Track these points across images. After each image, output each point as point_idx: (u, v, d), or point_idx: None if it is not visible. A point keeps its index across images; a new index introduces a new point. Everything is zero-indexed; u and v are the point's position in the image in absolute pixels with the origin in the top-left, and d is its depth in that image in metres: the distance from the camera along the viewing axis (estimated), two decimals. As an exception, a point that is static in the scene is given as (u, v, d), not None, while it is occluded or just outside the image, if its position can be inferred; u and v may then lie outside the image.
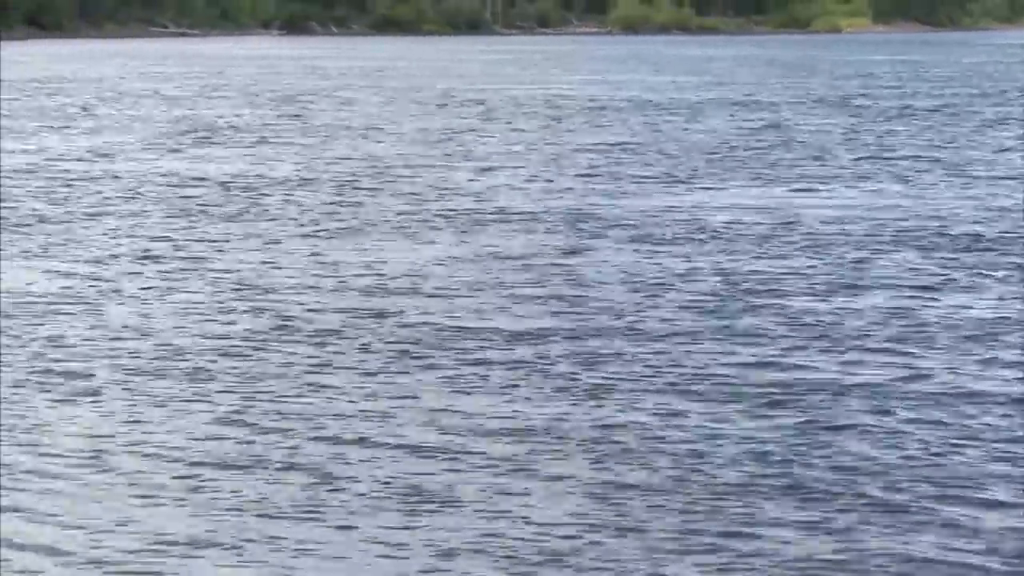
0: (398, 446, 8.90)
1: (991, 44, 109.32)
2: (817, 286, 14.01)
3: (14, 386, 10.36)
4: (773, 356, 11.16)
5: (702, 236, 17.11)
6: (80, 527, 7.58)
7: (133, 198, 20.96)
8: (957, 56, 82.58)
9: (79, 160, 26.24)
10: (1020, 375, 10.57)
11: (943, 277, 14.48)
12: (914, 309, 12.87)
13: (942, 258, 15.55)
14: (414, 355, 11.24)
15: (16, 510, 7.80)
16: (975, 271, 14.80)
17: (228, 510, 7.81)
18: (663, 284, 14.17)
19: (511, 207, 19.61)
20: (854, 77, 58.09)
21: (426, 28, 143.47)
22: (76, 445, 8.98)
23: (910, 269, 14.95)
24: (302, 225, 18.25)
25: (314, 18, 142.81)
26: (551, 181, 22.62)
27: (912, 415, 9.49)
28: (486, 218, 18.65)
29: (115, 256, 16.00)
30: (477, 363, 10.97)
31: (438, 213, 19.15)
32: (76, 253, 16.24)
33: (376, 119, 36.44)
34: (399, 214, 19.12)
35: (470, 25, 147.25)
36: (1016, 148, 28.39)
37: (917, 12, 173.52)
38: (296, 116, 37.32)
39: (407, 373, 10.72)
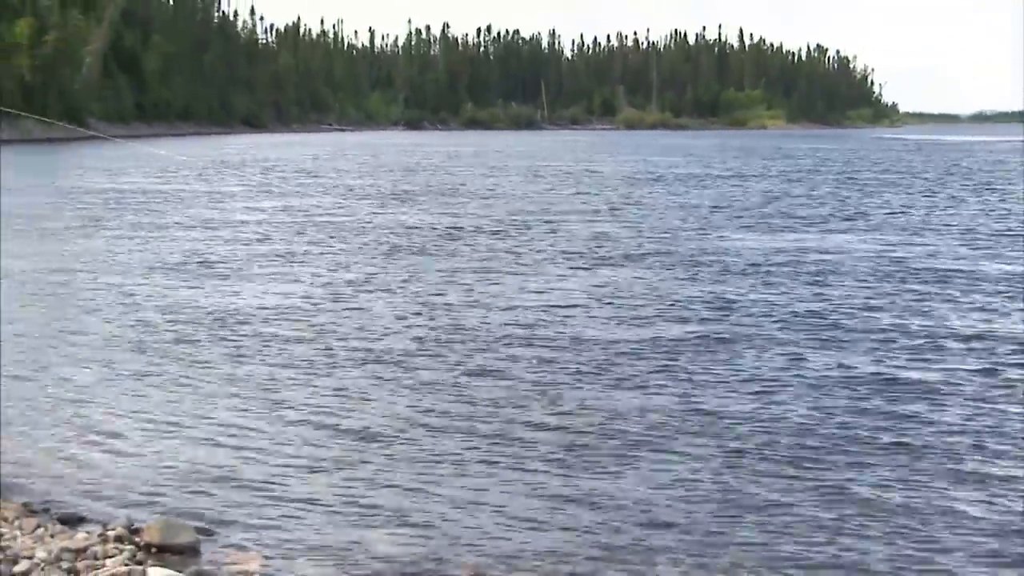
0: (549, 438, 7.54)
1: (863, 137, 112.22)
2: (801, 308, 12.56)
3: (257, 376, 9.34)
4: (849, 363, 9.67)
5: (732, 269, 15.77)
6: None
7: (339, 239, 19.77)
8: (842, 144, 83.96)
9: (291, 214, 25.17)
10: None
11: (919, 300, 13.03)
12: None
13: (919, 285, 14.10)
14: (568, 362, 9.78)
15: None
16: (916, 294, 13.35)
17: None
18: (679, 302, 12.71)
19: (606, 246, 18.31)
20: (781, 157, 57.96)
21: (497, 125, 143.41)
22: (303, 415, 8.15)
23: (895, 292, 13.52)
24: (460, 260, 16.88)
25: (426, 119, 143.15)
26: (626, 229, 21.25)
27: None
28: (591, 255, 17.29)
29: (330, 282, 14.78)
30: (601, 367, 9.57)
31: (558, 252, 17.74)
32: (300, 279, 15.01)
33: (488, 183, 35.23)
34: (530, 252, 17.76)
35: (527, 123, 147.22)
36: (903, 201, 27.57)
37: (815, 116, 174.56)
38: (434, 182, 36.07)
39: (554, 375, 9.28)
